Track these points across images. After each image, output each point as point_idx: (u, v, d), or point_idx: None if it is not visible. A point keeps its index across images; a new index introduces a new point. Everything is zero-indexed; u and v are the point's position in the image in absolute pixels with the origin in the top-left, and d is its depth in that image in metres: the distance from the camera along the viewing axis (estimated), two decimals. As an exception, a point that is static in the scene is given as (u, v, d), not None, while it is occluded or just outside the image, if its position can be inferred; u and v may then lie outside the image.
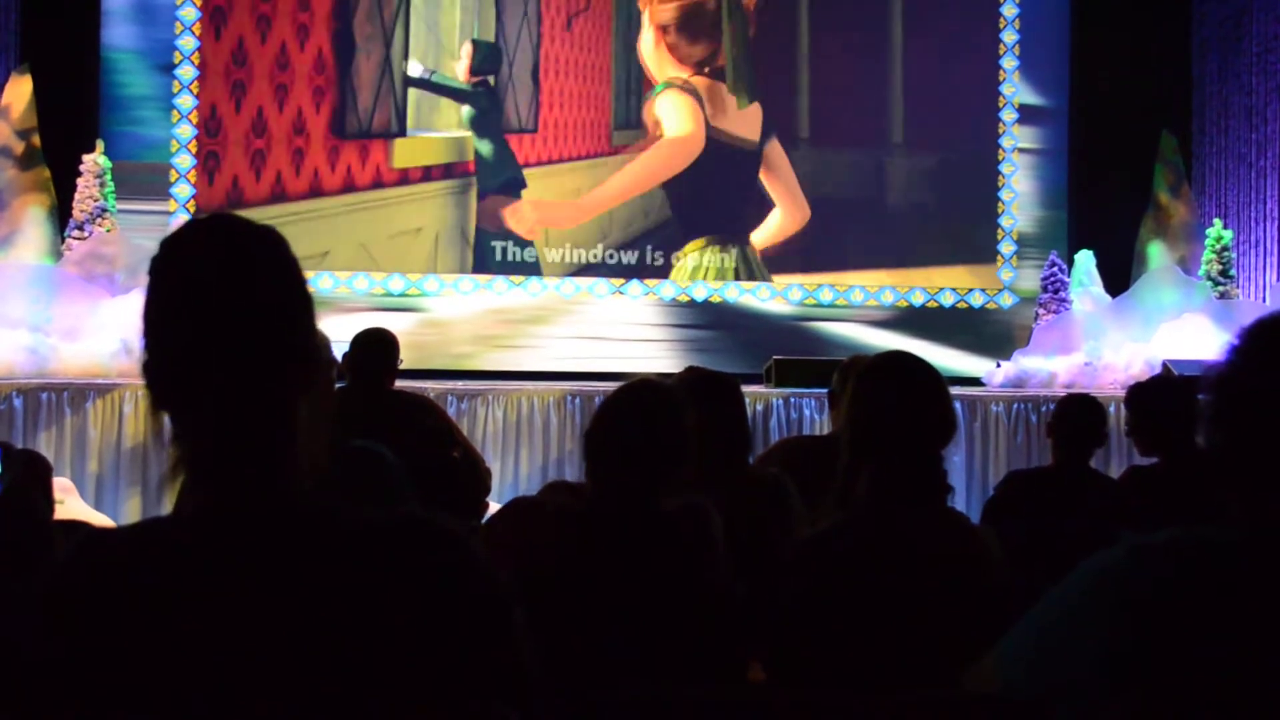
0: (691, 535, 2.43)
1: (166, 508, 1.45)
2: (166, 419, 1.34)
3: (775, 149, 10.75)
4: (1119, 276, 10.31)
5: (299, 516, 1.32)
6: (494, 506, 5.24)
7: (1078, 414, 4.19)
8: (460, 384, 8.28)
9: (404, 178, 10.40)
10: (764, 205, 10.72)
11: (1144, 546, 1.45)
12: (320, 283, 9.83)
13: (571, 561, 2.40)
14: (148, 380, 1.34)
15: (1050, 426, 4.27)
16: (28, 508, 2.68)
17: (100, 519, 6.46)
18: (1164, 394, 4.20)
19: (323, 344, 1.71)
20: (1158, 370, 7.88)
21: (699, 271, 10.59)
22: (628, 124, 10.65)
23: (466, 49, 10.47)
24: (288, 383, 1.34)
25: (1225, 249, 10.09)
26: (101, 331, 8.23)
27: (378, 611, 1.27)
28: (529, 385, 8.22)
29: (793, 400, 8.01)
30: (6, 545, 2.41)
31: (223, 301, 1.31)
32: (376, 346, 5.01)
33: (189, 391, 1.32)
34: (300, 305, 1.37)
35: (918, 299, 10.82)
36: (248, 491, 1.32)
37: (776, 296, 10.71)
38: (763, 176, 10.70)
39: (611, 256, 10.54)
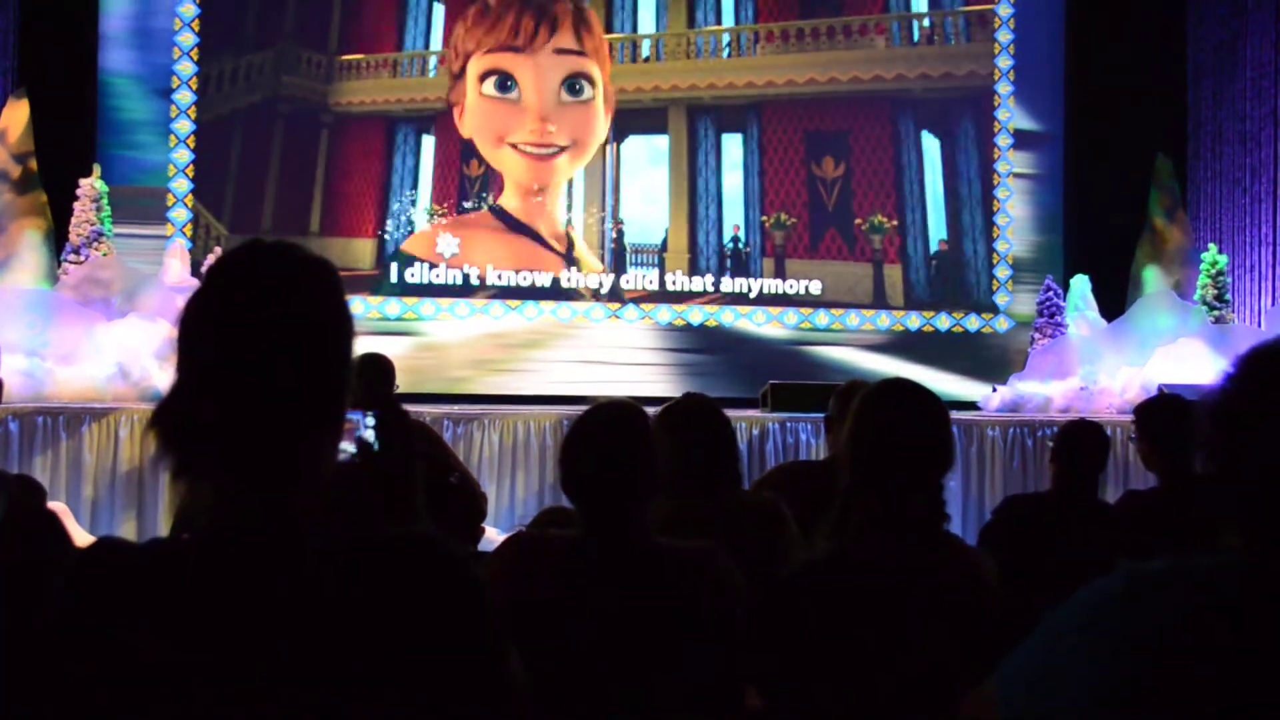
0: (692, 574, 2.42)
1: (162, 532, 1.46)
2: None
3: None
4: (1114, 301, 10.33)
5: (307, 537, 1.33)
6: (490, 531, 5.24)
7: (1082, 440, 4.17)
8: (456, 408, 8.28)
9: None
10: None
11: (1141, 574, 1.44)
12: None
13: (567, 594, 2.39)
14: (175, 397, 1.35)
15: (1054, 452, 4.25)
16: (41, 527, 2.67)
17: (95, 544, 6.44)
18: (1168, 416, 4.18)
19: None
20: (1153, 395, 7.88)
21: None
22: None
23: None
24: (314, 413, 1.36)
25: (1220, 273, 10.12)
26: (97, 355, 8.23)
27: (375, 629, 1.29)
28: (525, 410, 8.22)
29: (789, 425, 8.01)
30: (22, 563, 2.41)
31: (258, 326, 1.33)
32: (371, 371, 5.00)
33: (216, 413, 1.32)
34: (335, 342, 1.39)
35: (914, 323, 10.83)
36: (262, 515, 1.32)
37: (772, 321, 10.71)
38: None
39: (609, 280, 10.55)
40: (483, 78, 10.44)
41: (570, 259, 10.55)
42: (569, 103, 10.48)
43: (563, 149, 10.48)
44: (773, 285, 10.73)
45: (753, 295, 10.71)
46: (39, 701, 1.28)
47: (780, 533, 3.33)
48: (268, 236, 1.46)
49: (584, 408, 2.57)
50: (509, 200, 10.53)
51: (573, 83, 10.52)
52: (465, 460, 7.20)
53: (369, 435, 2.33)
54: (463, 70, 10.45)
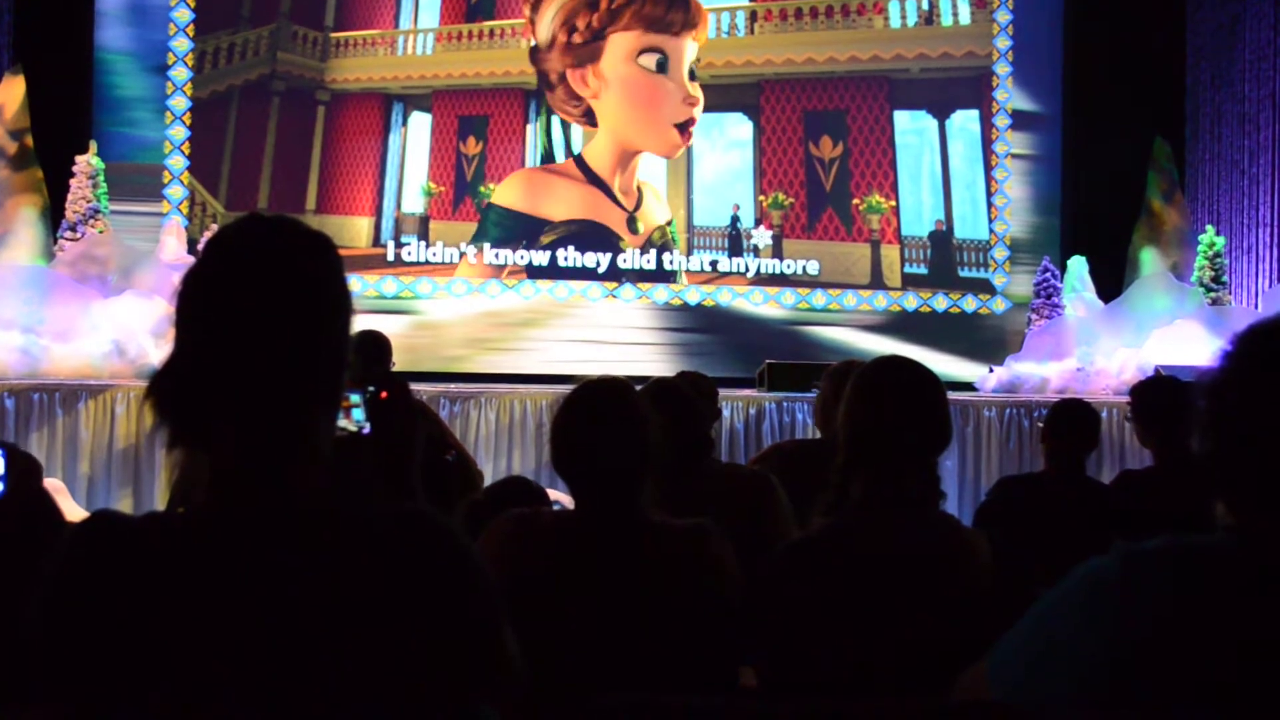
0: (686, 551, 2.42)
1: (158, 509, 1.46)
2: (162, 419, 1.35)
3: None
4: (1112, 282, 10.32)
5: (302, 512, 1.34)
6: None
7: (1072, 419, 4.19)
8: (453, 386, 8.28)
9: (398, 180, 10.46)
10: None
11: (1135, 553, 1.45)
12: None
13: (560, 571, 2.39)
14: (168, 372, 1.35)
15: (1044, 432, 4.27)
16: (35, 506, 2.67)
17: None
18: (1162, 396, 4.20)
19: None
20: (1148, 376, 7.89)
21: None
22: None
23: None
24: (311, 387, 1.35)
25: (1218, 255, 10.10)
26: (93, 332, 8.22)
27: (371, 602, 1.30)
28: (521, 388, 8.22)
29: (785, 404, 8.02)
30: (14, 543, 2.41)
31: (256, 298, 1.33)
32: (368, 348, 5.00)
33: (213, 385, 1.32)
34: (333, 316, 1.38)
35: (910, 304, 10.82)
36: (258, 489, 1.32)
37: (770, 301, 10.71)
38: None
39: (606, 258, 10.53)
40: (641, 52, 10.55)
41: (633, 218, 10.56)
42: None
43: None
44: (770, 265, 10.72)
45: (750, 275, 10.70)
46: (35, 674, 1.28)
47: (769, 502, 3.34)
48: (264, 213, 1.45)
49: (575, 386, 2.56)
50: (595, 153, 10.59)
51: (692, 70, 10.68)
52: (462, 438, 7.20)
53: (360, 414, 2.33)
54: (597, 36, 10.54)
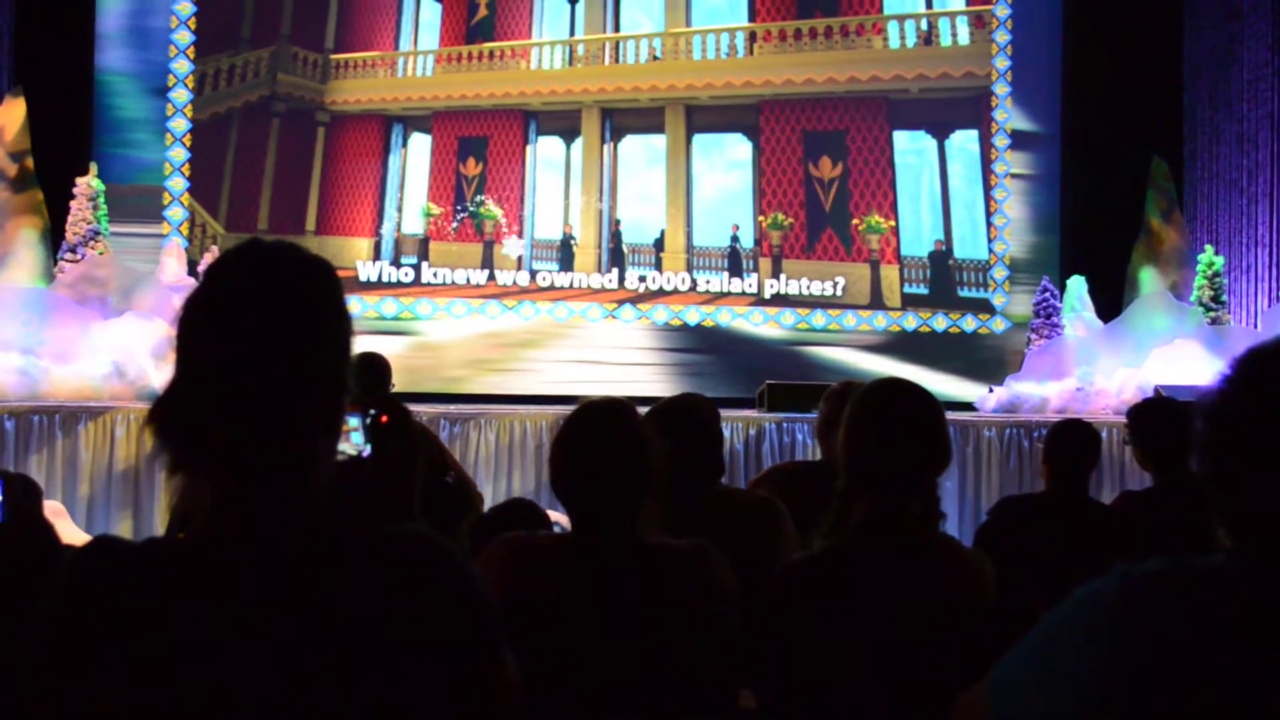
0: (685, 573, 2.42)
1: (158, 531, 1.46)
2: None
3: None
4: (1111, 302, 10.33)
5: (303, 536, 1.34)
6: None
7: (1072, 439, 4.18)
8: (453, 408, 8.27)
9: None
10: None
11: (1135, 575, 1.44)
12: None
13: (558, 593, 2.39)
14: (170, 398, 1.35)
15: (1044, 452, 4.26)
16: (34, 532, 2.66)
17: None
18: (1159, 418, 4.20)
19: None
20: (1149, 395, 7.88)
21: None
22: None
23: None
24: (312, 412, 1.36)
25: (1217, 274, 10.11)
26: (93, 354, 8.22)
27: (372, 624, 1.30)
28: (521, 409, 8.22)
29: (785, 425, 8.01)
30: (13, 570, 2.40)
31: (257, 324, 1.34)
32: (367, 370, 4.99)
33: (214, 410, 1.32)
34: (333, 341, 1.39)
35: (910, 324, 10.83)
36: (259, 514, 1.32)
37: (769, 321, 10.71)
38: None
39: (610, 280, 10.54)
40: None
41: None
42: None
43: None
44: (770, 285, 10.73)
45: (750, 295, 10.71)
46: (34, 699, 1.28)
47: (778, 531, 3.33)
48: (264, 235, 1.45)
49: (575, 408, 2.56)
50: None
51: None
52: (461, 459, 7.19)
53: (360, 437, 2.33)
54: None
